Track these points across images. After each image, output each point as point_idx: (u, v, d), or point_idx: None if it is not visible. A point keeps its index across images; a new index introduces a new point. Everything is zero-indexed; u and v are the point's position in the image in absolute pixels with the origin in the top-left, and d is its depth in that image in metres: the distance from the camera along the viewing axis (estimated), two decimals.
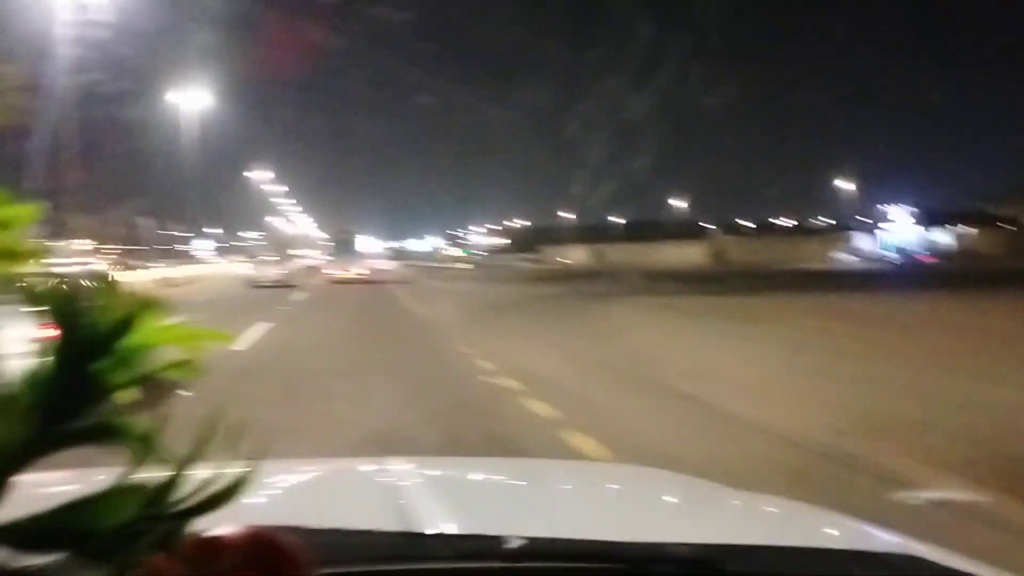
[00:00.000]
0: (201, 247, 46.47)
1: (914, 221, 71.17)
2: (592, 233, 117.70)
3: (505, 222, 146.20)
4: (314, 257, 53.96)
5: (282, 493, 1.55)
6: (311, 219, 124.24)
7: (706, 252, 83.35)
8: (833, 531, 1.41)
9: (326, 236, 63.19)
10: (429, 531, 1.10)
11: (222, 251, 51.83)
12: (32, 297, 0.35)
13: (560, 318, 16.40)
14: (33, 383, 0.35)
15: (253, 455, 0.36)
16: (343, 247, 42.32)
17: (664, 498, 1.72)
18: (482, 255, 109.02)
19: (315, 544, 0.89)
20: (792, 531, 1.42)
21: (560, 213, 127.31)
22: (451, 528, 1.18)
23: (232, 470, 0.36)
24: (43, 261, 0.35)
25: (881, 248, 67.26)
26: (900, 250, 66.63)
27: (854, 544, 1.25)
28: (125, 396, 0.37)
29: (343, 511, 1.36)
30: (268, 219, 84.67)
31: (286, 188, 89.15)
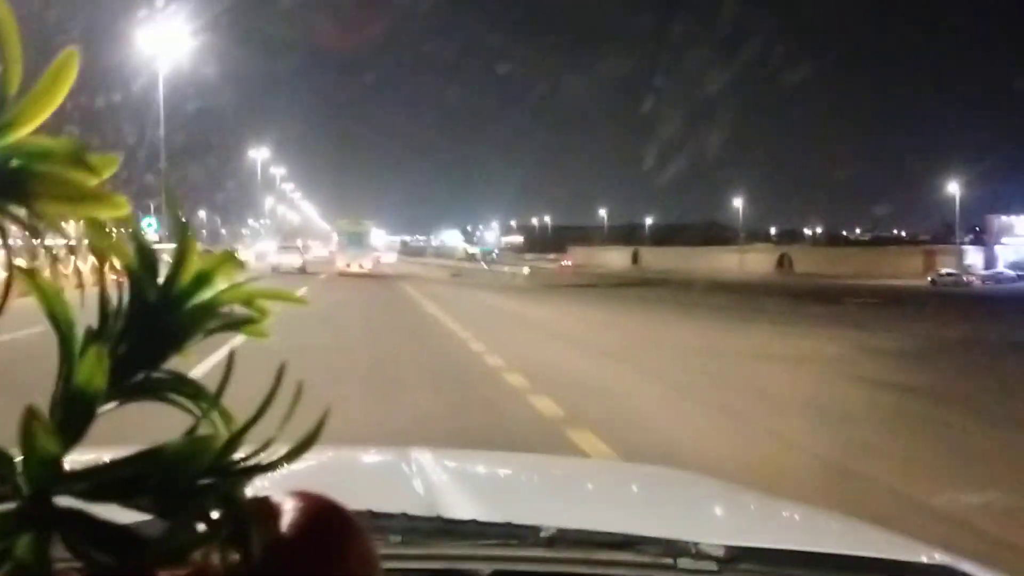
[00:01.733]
0: (147, 227, 33.40)
1: None
2: (621, 234, 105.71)
3: (514, 221, 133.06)
4: (319, 247, 48.99)
5: (301, 477, 1.10)
6: (313, 206, 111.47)
7: (768, 260, 69.71)
8: (864, 539, 1.36)
9: (330, 226, 56.59)
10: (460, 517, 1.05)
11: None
12: (110, 248, 0.34)
13: None
14: (107, 334, 0.34)
15: (314, 417, 0.34)
16: (354, 239, 36.79)
17: (689, 498, 1.62)
18: (497, 252, 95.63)
19: None
20: (820, 538, 1.38)
21: (583, 213, 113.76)
22: (481, 516, 1.08)
23: (292, 432, 0.35)
24: (124, 213, 0.33)
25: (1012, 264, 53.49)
26: (1019, 265, 53.02)
27: (886, 553, 1.17)
28: (195, 352, 0.35)
29: (368, 496, 1.20)
30: (267, 204, 71.83)
31: (284, 171, 76.16)
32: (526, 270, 36.78)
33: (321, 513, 0.35)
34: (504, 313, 16.52)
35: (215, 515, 0.33)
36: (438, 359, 9.26)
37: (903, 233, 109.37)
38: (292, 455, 0.34)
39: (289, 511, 0.34)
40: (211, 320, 0.35)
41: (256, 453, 0.34)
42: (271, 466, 0.34)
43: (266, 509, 0.34)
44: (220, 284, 0.35)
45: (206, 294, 0.35)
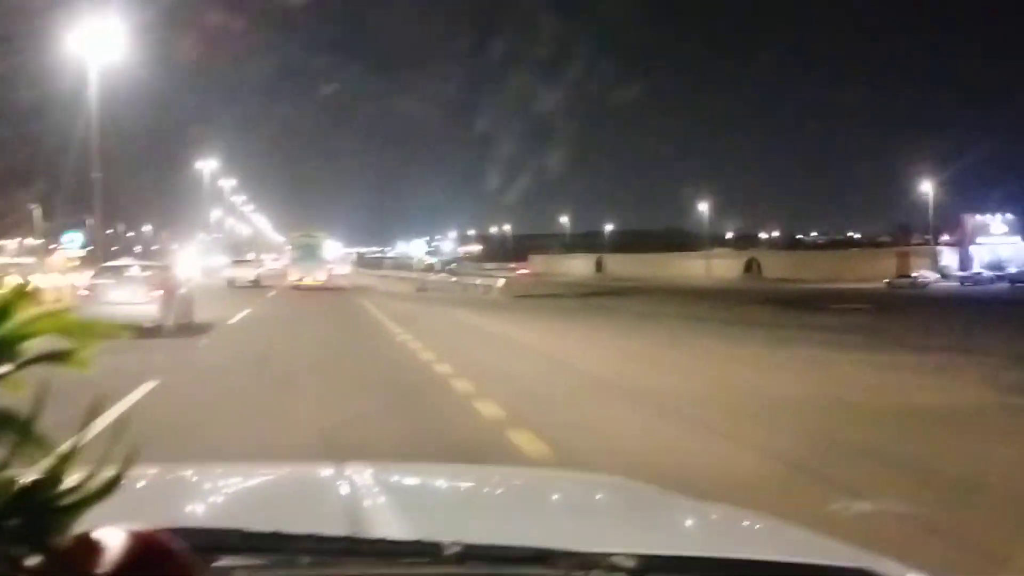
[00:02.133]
0: (69, 243, 29.05)
1: (1014, 231, 55.95)
2: (582, 241, 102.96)
3: (472, 231, 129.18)
4: (273, 260, 47.61)
5: (232, 496, 1.52)
6: (266, 218, 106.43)
7: (734, 265, 67.59)
8: (784, 543, 1.32)
9: (284, 239, 54.90)
10: (372, 536, 1.05)
11: (106, 251, 32.64)
12: None
13: None
14: None
15: (130, 452, 0.33)
16: (307, 252, 35.55)
17: (614, 506, 1.61)
18: (454, 263, 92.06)
19: (253, 546, 0.90)
20: (743, 542, 1.35)
21: (544, 221, 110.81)
22: (396, 533, 1.09)
23: (109, 467, 0.33)
24: None
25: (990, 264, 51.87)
26: (995, 266, 51.51)
27: (806, 557, 1.15)
28: (4, 386, 0.34)
29: (291, 515, 1.26)
30: (216, 216, 67.39)
31: (235, 182, 71.61)
32: (501, 282, 32.09)
33: (142, 550, 0.32)
34: (504, 343, 12.75)
35: (26, 557, 0.30)
36: (430, 436, 5.91)
37: (859, 235, 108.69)
38: (103, 492, 0.32)
39: (110, 549, 0.32)
40: (19, 351, 0.33)
41: (73, 490, 0.31)
42: (84, 504, 0.32)
43: (84, 548, 0.32)
44: (22, 316, 0.33)
45: (6, 328, 0.33)
